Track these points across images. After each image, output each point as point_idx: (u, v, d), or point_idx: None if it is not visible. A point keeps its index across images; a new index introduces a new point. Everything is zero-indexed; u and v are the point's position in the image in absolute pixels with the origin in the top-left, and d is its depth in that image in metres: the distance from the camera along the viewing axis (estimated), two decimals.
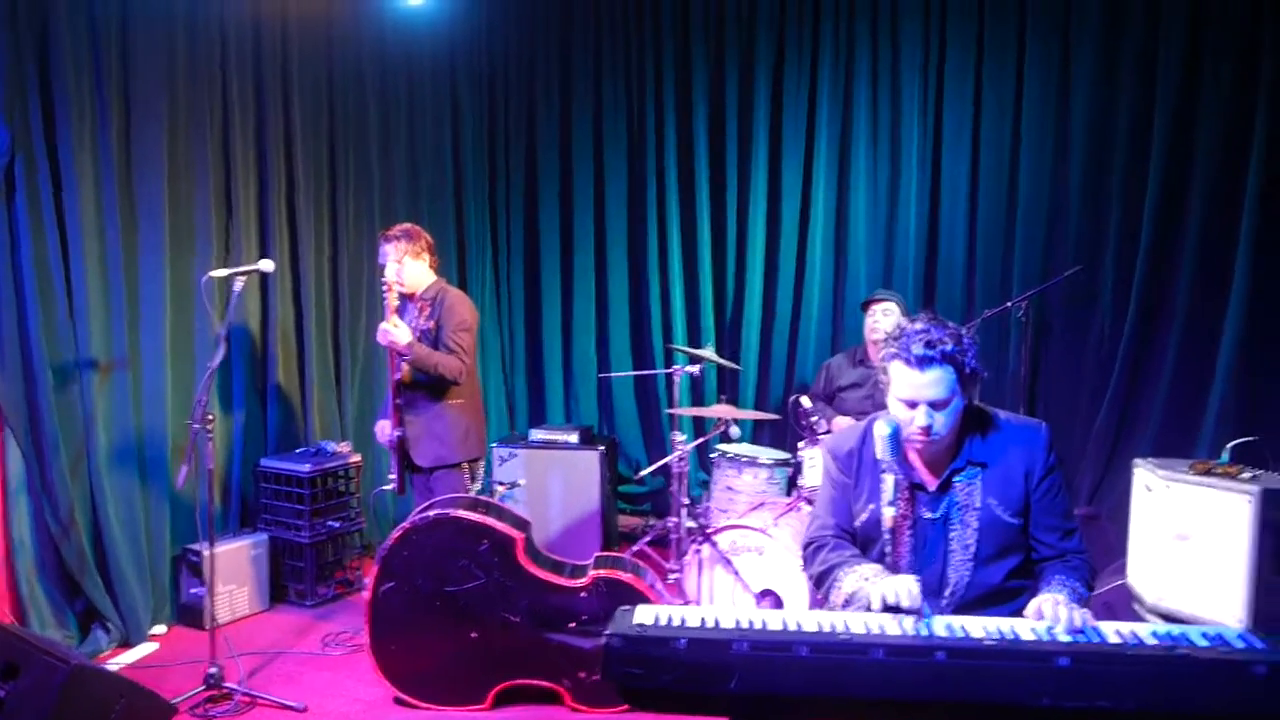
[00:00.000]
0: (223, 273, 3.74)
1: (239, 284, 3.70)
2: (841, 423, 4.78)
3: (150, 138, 4.30)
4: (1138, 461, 3.51)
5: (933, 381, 2.21)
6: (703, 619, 2.00)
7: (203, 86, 4.58)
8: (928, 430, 2.23)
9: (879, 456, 2.27)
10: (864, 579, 2.21)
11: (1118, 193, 5.06)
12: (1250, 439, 3.54)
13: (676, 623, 1.98)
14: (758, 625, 1.97)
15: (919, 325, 2.27)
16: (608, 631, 1.90)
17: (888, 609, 2.06)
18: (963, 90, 5.49)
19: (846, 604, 2.23)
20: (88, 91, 4.04)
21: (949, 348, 2.21)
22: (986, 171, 5.46)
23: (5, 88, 3.74)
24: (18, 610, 3.90)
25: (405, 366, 4.03)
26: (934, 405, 2.23)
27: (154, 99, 4.31)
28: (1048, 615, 1.98)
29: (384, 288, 3.97)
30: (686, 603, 4.23)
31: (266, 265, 3.82)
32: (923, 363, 2.21)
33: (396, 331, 3.89)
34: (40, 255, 3.89)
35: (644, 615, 2.00)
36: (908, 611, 2.02)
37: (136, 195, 4.28)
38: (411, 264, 4.07)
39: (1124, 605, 3.47)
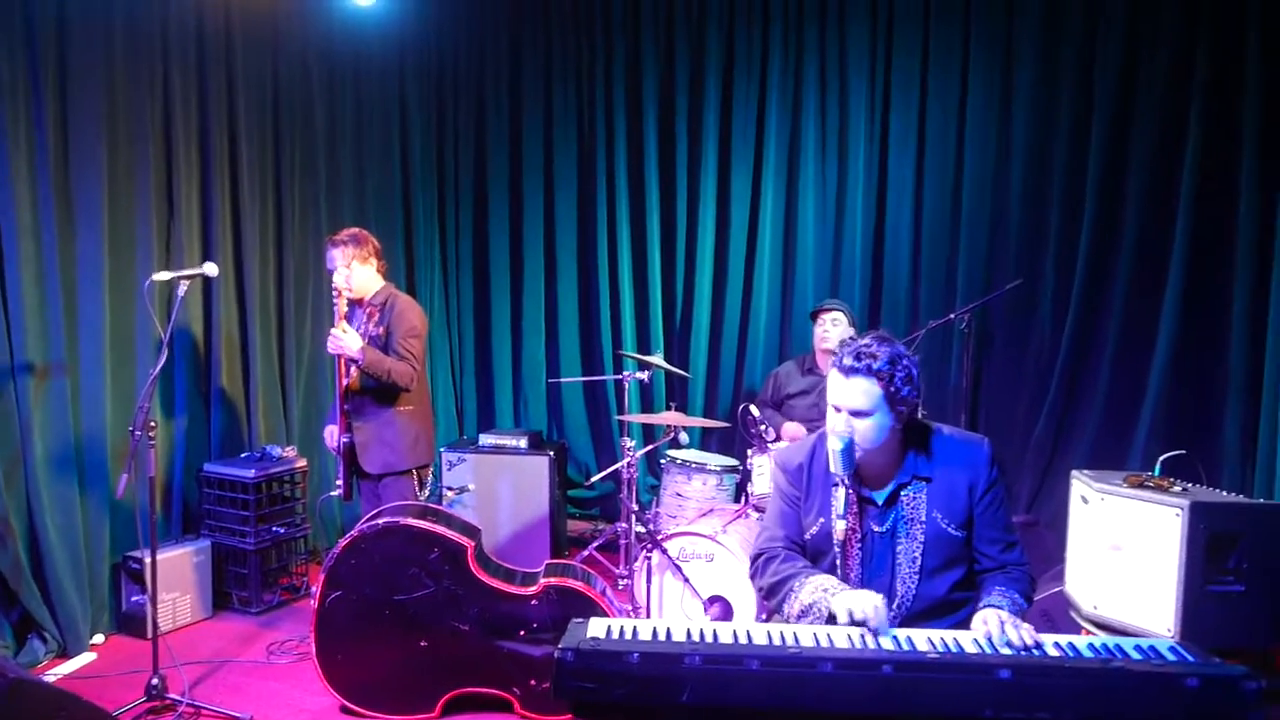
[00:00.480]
0: (165, 276, 3.67)
1: (182, 287, 3.64)
2: (790, 429, 4.83)
3: (88, 136, 4.21)
4: (1075, 473, 3.60)
5: (854, 391, 2.30)
6: (655, 631, 2.02)
7: (144, 85, 4.49)
8: (842, 434, 2.31)
9: (831, 470, 2.32)
10: (822, 589, 2.26)
11: (1058, 199, 5.18)
12: (1180, 452, 3.66)
13: (629, 636, 2.00)
14: (709, 638, 2.00)
15: (864, 340, 2.34)
16: (560, 646, 1.91)
17: (854, 624, 2.10)
18: (908, 97, 5.59)
19: (802, 615, 2.26)
20: (22, 88, 3.93)
21: (877, 364, 2.28)
22: (931, 178, 5.57)
23: None
24: None
25: (354, 372, 4.00)
26: (854, 414, 2.31)
27: (92, 97, 4.22)
28: (994, 632, 2.04)
29: (334, 294, 3.93)
30: (636, 609, 4.25)
31: (211, 269, 3.75)
32: (848, 371, 2.31)
33: (346, 338, 3.85)
34: None
35: (597, 629, 2.02)
36: (873, 631, 2.07)
37: (74, 195, 4.19)
38: (359, 269, 4.04)
39: (1061, 613, 3.57)
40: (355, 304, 4.12)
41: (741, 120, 6.00)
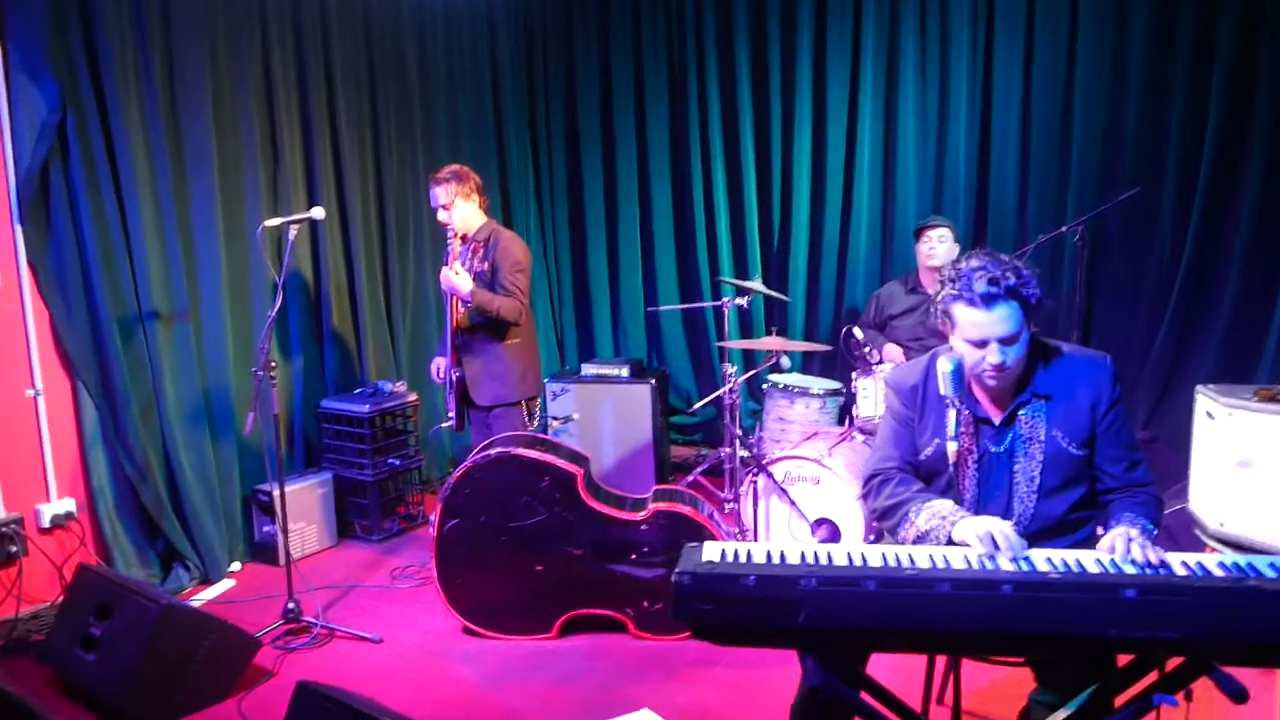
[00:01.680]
0: (276, 222, 3.78)
1: (293, 232, 3.74)
2: (893, 352, 4.76)
3: (195, 87, 4.33)
4: (1199, 388, 3.46)
5: (1001, 319, 2.20)
6: (769, 554, 2.04)
7: (243, 34, 4.58)
8: (1001, 367, 2.23)
9: (942, 393, 2.28)
10: (940, 516, 2.24)
11: (1179, 101, 4.87)
12: None
13: (744, 559, 2.02)
14: (824, 560, 2.00)
15: (975, 263, 2.25)
16: (677, 569, 1.94)
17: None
18: (1016, 2, 5.31)
19: (918, 541, 2.26)
20: (130, 43, 4.05)
21: (1011, 282, 2.19)
22: (1040, 81, 5.30)
23: (50, 40, 3.76)
24: (103, 552, 4.08)
25: (462, 309, 4.08)
26: (1004, 341, 2.22)
27: (196, 48, 4.32)
28: (1119, 549, 2.00)
29: (448, 234, 4.00)
30: (743, 532, 4.30)
31: (318, 213, 3.85)
32: (988, 301, 2.20)
33: (458, 279, 3.94)
34: (98, 212, 3.96)
35: (711, 552, 2.04)
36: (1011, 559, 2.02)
37: (185, 146, 4.32)
38: (462, 205, 4.09)
39: (1184, 530, 3.47)
40: (460, 240, 4.18)
41: (837, 34, 5.81)
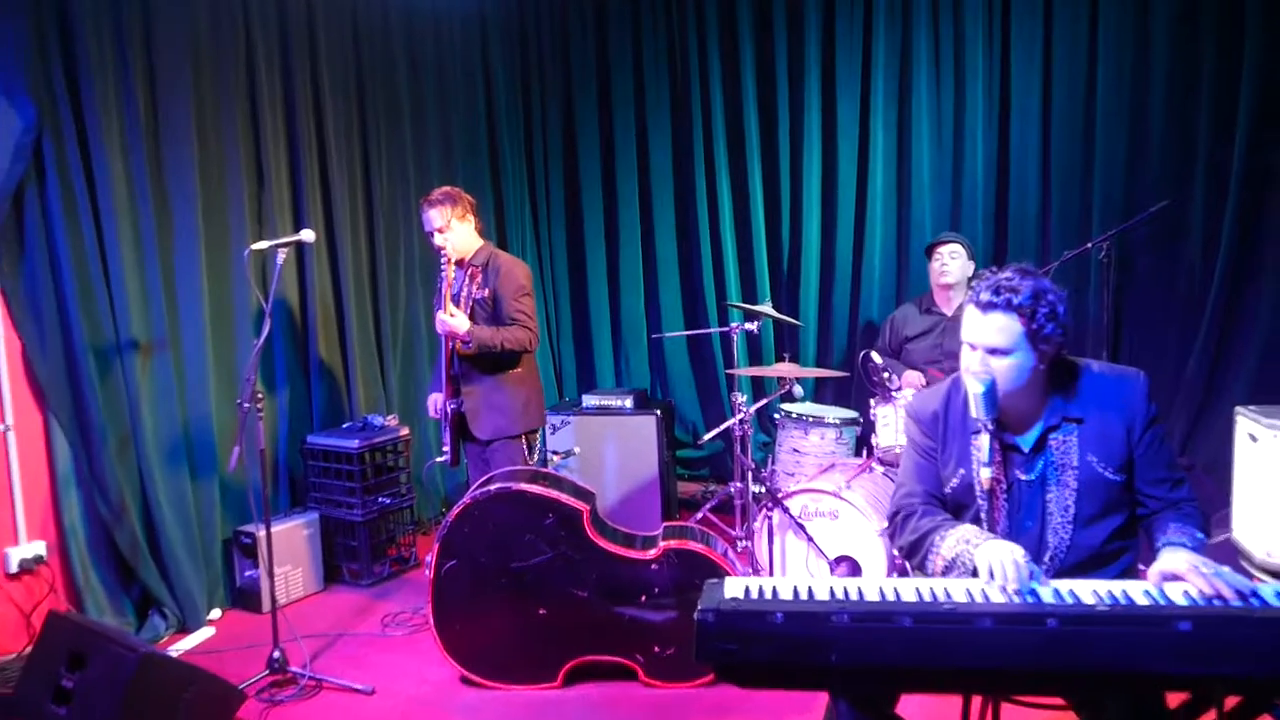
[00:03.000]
0: (263, 245, 3.79)
1: (280, 256, 3.75)
2: (912, 377, 4.76)
3: (177, 107, 4.35)
4: (1240, 410, 3.46)
5: (991, 328, 2.25)
6: (796, 590, 2.03)
7: (227, 51, 4.61)
8: (982, 376, 2.27)
9: (973, 414, 2.28)
10: (964, 541, 2.23)
11: (1207, 109, 4.90)
12: None
13: (769, 595, 2.01)
14: (855, 596, 1.99)
15: (1004, 272, 2.30)
16: (700, 607, 1.93)
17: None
18: (1032, 5, 5.36)
19: (946, 571, 2.24)
20: (110, 60, 4.07)
21: (1017, 299, 2.22)
22: (1060, 91, 5.33)
23: (28, 58, 3.77)
24: (74, 598, 4.04)
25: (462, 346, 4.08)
26: (991, 351, 2.27)
27: (178, 67, 4.35)
28: (1201, 585, 1.95)
29: (442, 261, 4.00)
30: (758, 571, 4.28)
31: (308, 235, 3.86)
32: (985, 306, 2.26)
33: (455, 321, 3.94)
34: (75, 236, 3.96)
35: (734, 588, 2.03)
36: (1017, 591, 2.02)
37: (166, 168, 4.34)
38: (458, 228, 4.10)
39: (1229, 561, 3.44)
40: (456, 265, 4.19)
41: (846, 45, 5.87)
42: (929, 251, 4.91)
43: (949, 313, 4.82)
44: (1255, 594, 1.92)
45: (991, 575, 2.06)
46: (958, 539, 2.26)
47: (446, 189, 4.16)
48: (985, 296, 2.26)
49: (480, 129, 6.31)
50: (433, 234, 4.09)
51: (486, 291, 4.09)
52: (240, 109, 4.70)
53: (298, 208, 5.04)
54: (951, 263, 4.77)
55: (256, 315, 4.68)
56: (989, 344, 2.26)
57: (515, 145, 6.60)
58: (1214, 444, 4.66)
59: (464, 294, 4.09)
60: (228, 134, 4.62)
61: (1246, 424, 3.40)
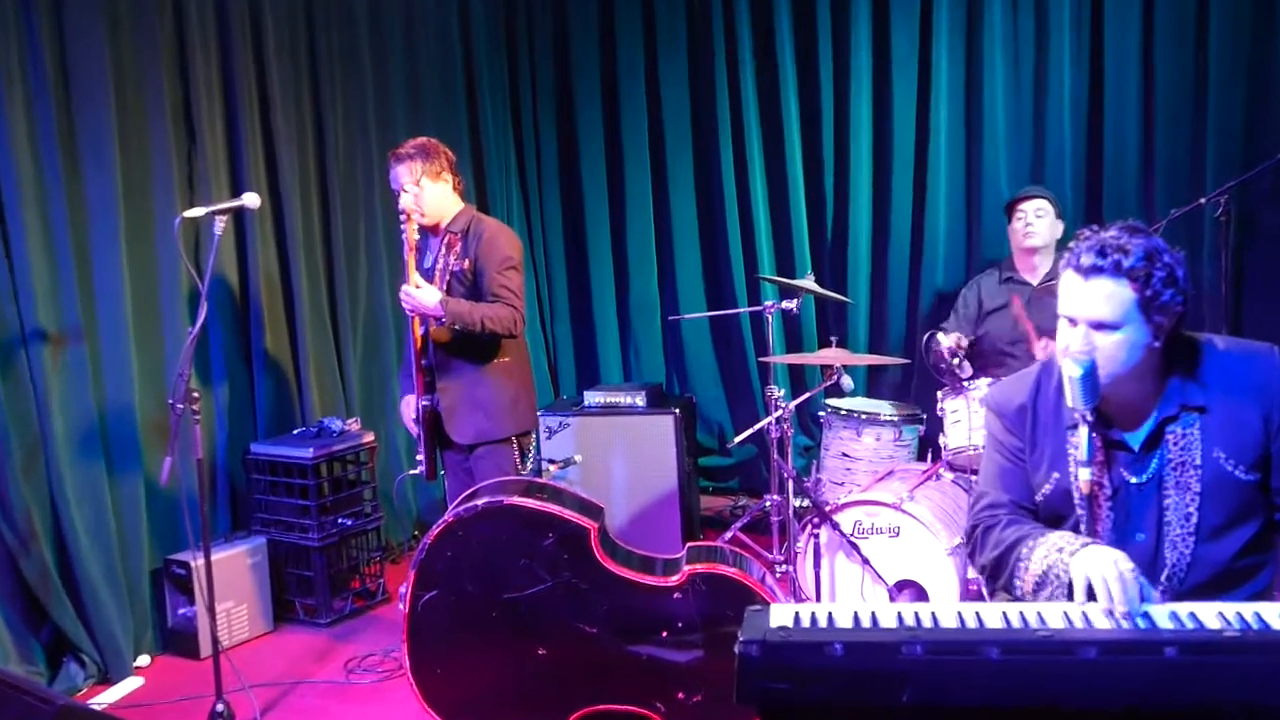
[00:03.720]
0: (199, 212, 3.80)
1: (219, 225, 3.77)
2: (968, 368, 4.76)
3: (90, 55, 4.35)
4: None
5: (1096, 297, 2.23)
6: (857, 616, 2.04)
7: None
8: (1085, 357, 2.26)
9: (1069, 404, 2.28)
10: (1057, 550, 2.24)
11: None
12: None
13: (825, 623, 2.02)
14: (929, 623, 2.00)
15: (1109, 232, 2.27)
16: (742, 638, 1.93)
17: (1092, 598, 2.08)
18: None
19: (1038, 589, 2.25)
20: (10, 8, 4.08)
21: (1128, 260, 2.20)
22: (1164, 23, 5.33)
23: None
24: None
25: (435, 327, 4.09)
26: (1096, 326, 2.25)
27: (91, 14, 4.34)
28: None
29: (401, 219, 4.01)
30: (803, 601, 4.29)
31: (251, 200, 3.88)
32: (1089, 271, 2.23)
33: (422, 294, 3.94)
34: None
35: (782, 616, 2.04)
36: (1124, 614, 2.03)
37: (78, 126, 4.35)
38: (431, 188, 4.11)
39: None
40: (429, 232, 4.20)
41: None
42: (1009, 209, 4.91)
43: (1035, 281, 4.82)
44: None
45: (1091, 592, 2.07)
46: (1050, 548, 2.26)
47: (420, 140, 4.16)
48: (1088, 260, 2.23)
49: (456, 74, 6.32)
50: (399, 193, 4.10)
51: (466, 263, 4.10)
52: (166, 55, 4.71)
53: (236, 171, 5.05)
54: (1038, 221, 4.77)
55: (190, 299, 4.70)
56: (1094, 317, 2.24)
57: (498, 91, 6.61)
58: None
59: (439, 265, 4.09)
60: (151, 85, 4.63)
61: None
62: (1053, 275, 4.69)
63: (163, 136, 4.67)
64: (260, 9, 5.13)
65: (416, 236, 4.04)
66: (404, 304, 4.00)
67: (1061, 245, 4.76)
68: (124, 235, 4.49)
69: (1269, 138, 5.07)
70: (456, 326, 3.99)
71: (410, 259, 3.99)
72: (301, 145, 5.40)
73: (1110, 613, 2.03)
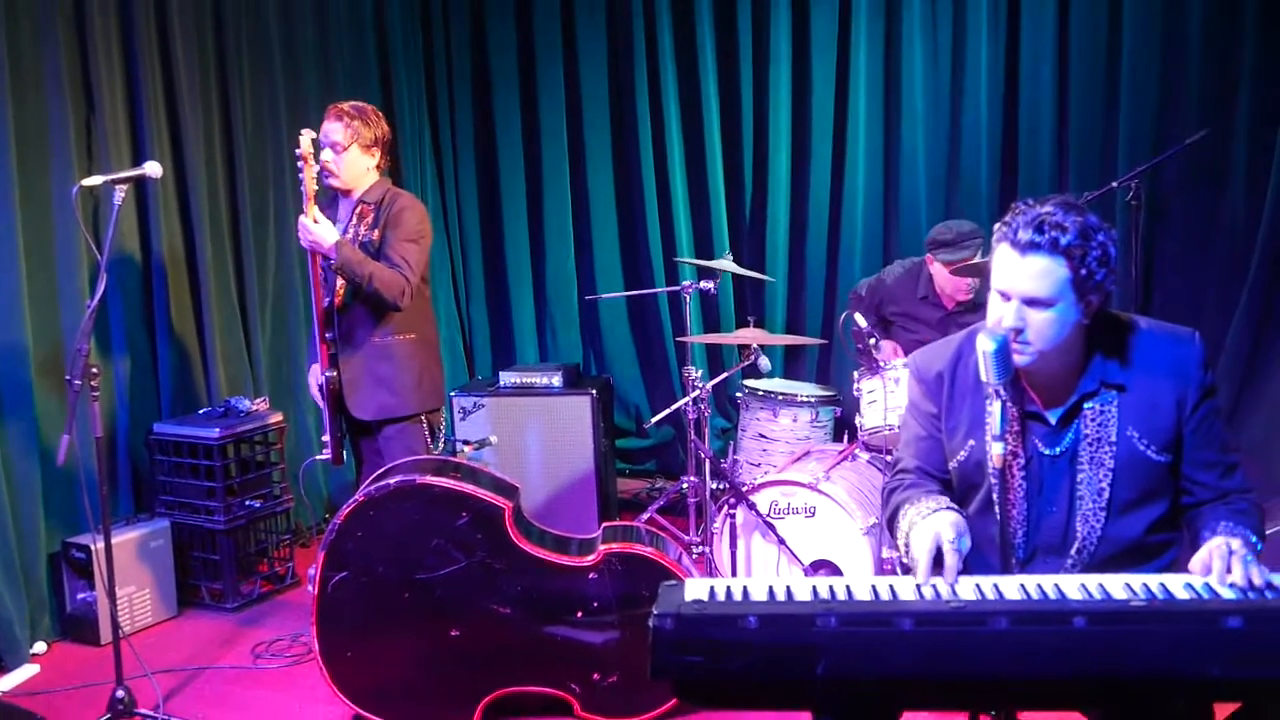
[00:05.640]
0: (96, 180, 3.70)
1: (119, 195, 3.67)
2: (887, 347, 4.81)
3: None
4: None
5: (1032, 273, 2.24)
6: (772, 590, 2.06)
7: None
8: (1017, 334, 2.28)
9: (983, 379, 2.31)
10: (916, 516, 2.33)
11: (1252, 30, 5.02)
12: None
13: (739, 596, 2.04)
14: (843, 595, 2.03)
15: (1045, 207, 2.28)
16: (656, 612, 1.94)
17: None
18: None
19: (908, 551, 2.33)
20: None
21: (1066, 239, 2.22)
22: (1079, 11, 5.44)
23: None
24: None
25: (340, 288, 4.03)
26: (1030, 303, 2.27)
27: None
28: (1216, 568, 2.04)
29: (299, 163, 3.89)
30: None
31: (153, 169, 3.79)
32: (1026, 248, 2.24)
33: (319, 228, 3.88)
34: None
35: (696, 590, 2.05)
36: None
37: None
38: (357, 156, 4.06)
39: None
40: (342, 195, 4.15)
41: None
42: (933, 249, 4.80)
43: (950, 307, 4.85)
44: None
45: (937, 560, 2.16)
46: (914, 514, 2.35)
47: (365, 105, 4.12)
48: (1025, 235, 2.24)
49: (368, 42, 6.24)
50: (324, 148, 4.01)
51: (376, 233, 4.04)
52: (63, 18, 4.58)
53: (137, 138, 4.94)
54: (963, 284, 4.70)
55: (89, 271, 4.60)
56: (1028, 293, 2.25)
57: (412, 62, 6.54)
58: (1261, 422, 4.80)
59: (348, 235, 4.03)
60: (47, 49, 4.51)
61: None
62: (968, 305, 4.74)
63: (59, 102, 4.55)
64: None
65: (315, 187, 3.95)
66: (300, 237, 3.93)
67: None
68: (18, 204, 4.36)
69: (1180, 123, 5.19)
70: (344, 272, 3.94)
71: (309, 189, 3.89)
72: (207, 114, 5.29)
73: (919, 586, 2.10)
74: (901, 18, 5.80)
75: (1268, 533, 3.60)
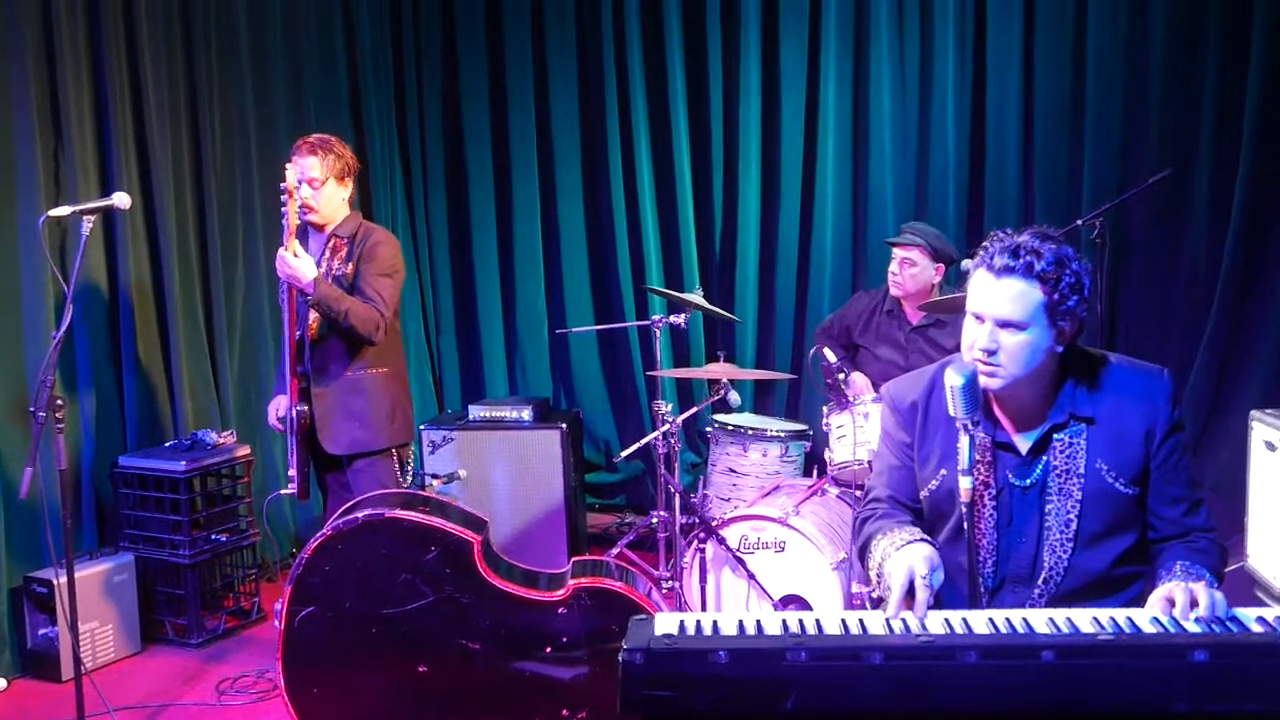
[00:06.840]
0: (64, 211, 3.70)
1: (86, 226, 3.67)
2: (862, 382, 4.84)
3: None
4: (1256, 414, 3.61)
5: (1005, 295, 2.29)
6: (741, 624, 2.06)
7: None
8: (989, 355, 2.31)
9: (951, 414, 2.33)
10: (888, 547, 2.34)
11: (1214, 66, 5.13)
12: None
13: (710, 631, 2.04)
14: (813, 629, 2.03)
15: (1022, 236, 2.33)
16: (626, 646, 1.94)
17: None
18: None
19: (880, 582, 2.35)
20: None
21: (1041, 264, 2.26)
22: (1044, 45, 5.53)
23: None
24: None
25: (312, 319, 4.02)
26: (1003, 325, 2.30)
27: None
28: (1179, 602, 2.06)
29: (283, 197, 3.91)
30: None
31: (122, 200, 3.78)
32: (1001, 271, 2.29)
33: (298, 263, 3.88)
34: None
35: (666, 624, 2.06)
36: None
37: None
38: (333, 190, 4.08)
39: (1242, 593, 3.60)
40: (316, 230, 4.15)
41: None
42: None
43: (915, 322, 4.88)
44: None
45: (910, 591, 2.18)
46: (887, 545, 2.36)
47: (330, 138, 4.13)
48: (1001, 260, 2.29)
49: (339, 75, 6.25)
50: (303, 184, 4.01)
51: (350, 267, 4.05)
52: (32, 47, 4.58)
53: (106, 169, 4.92)
54: (904, 271, 4.76)
55: (55, 302, 4.57)
56: (1002, 315, 2.29)
57: (383, 94, 6.55)
58: (1224, 458, 4.85)
59: (321, 269, 4.02)
60: (15, 75, 4.50)
61: (1264, 430, 3.55)
62: (932, 320, 4.78)
63: (27, 132, 4.54)
64: (134, 1, 5.01)
65: (297, 221, 3.96)
66: (279, 270, 3.93)
67: (950, 282, 4.83)
68: None
69: (1144, 162, 5.27)
70: (321, 307, 3.94)
71: (291, 222, 3.89)
72: (176, 145, 5.28)
73: (888, 620, 2.10)
74: (869, 56, 5.87)
75: (1229, 569, 3.66)
